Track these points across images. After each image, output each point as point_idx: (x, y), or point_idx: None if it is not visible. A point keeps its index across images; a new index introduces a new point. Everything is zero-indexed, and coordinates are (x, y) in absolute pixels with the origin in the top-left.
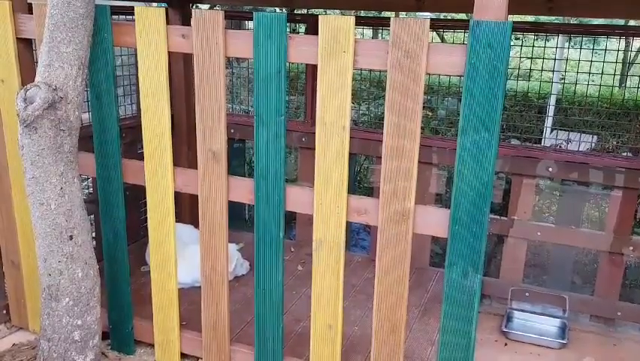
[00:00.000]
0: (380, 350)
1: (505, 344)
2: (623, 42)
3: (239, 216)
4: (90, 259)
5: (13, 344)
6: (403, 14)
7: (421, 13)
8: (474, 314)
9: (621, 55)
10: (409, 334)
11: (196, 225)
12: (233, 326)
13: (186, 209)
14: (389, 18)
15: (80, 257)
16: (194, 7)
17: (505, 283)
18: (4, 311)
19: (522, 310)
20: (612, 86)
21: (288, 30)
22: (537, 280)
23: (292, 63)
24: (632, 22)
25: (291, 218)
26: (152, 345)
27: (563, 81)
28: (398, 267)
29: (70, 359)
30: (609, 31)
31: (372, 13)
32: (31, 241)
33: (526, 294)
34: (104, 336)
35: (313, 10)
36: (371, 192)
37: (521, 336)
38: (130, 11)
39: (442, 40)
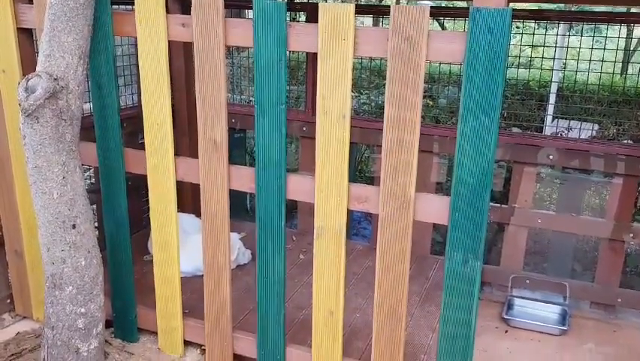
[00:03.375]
0: (381, 337)
1: (506, 331)
2: (624, 30)
3: (241, 206)
4: (93, 248)
5: (18, 333)
6: (403, 2)
7: (422, 2)
8: (474, 301)
9: (623, 43)
10: (410, 321)
11: (198, 214)
12: (236, 314)
13: (188, 198)
14: (389, 6)
15: (83, 246)
16: None
17: (506, 271)
18: (8, 300)
19: (523, 298)
20: (613, 74)
21: (288, 18)
22: (538, 268)
23: (293, 52)
24: (633, 10)
25: (292, 207)
26: (155, 333)
27: (563, 68)
28: (399, 243)
29: (74, 347)
30: (610, 18)
31: (372, 2)
32: (35, 230)
33: (527, 281)
34: (108, 324)
35: None
36: (372, 181)
37: (522, 323)
38: (130, 1)
39: (443, 28)
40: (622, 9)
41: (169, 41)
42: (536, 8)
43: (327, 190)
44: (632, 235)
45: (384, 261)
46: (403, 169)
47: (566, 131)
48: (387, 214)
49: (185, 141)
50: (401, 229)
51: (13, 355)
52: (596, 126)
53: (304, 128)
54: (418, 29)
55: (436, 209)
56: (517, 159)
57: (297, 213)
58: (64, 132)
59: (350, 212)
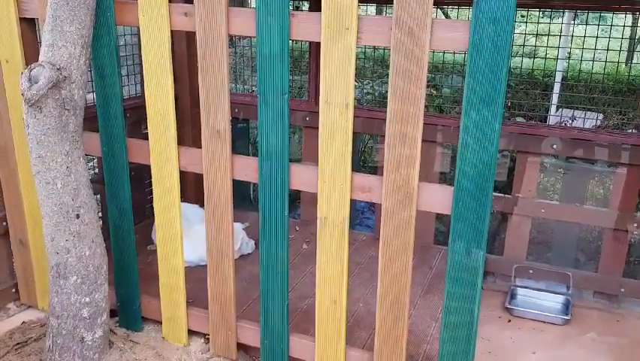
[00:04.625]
0: (384, 329)
1: (509, 321)
2: (630, 18)
3: (244, 196)
4: (97, 238)
5: (23, 322)
6: None
7: None
8: (477, 292)
9: (628, 31)
10: (413, 311)
11: (201, 205)
12: (240, 303)
13: (192, 189)
14: None
15: (87, 236)
16: None
17: (509, 261)
18: (14, 290)
19: (526, 287)
20: (618, 63)
21: (290, 7)
22: (541, 258)
23: (296, 42)
24: None
25: (295, 197)
26: (159, 322)
27: (568, 57)
28: (402, 235)
29: (79, 336)
30: (616, 7)
31: None
32: (39, 219)
33: (530, 271)
34: (112, 314)
35: None
36: (375, 171)
37: (525, 313)
38: None
39: (447, 17)
40: None
41: (171, 29)
42: None
43: (331, 180)
44: (635, 224)
45: (387, 254)
46: (405, 163)
47: (570, 121)
48: (390, 207)
49: (188, 131)
50: (404, 222)
51: (18, 344)
52: (601, 116)
53: (307, 118)
54: (422, 18)
55: (439, 199)
56: (521, 148)
57: (300, 203)
58: (67, 122)
59: (353, 202)
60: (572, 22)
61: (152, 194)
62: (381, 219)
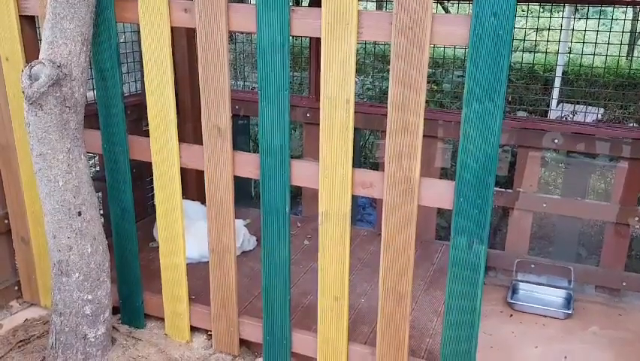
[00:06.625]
0: (386, 323)
1: (511, 315)
2: (630, 11)
3: (245, 193)
4: (99, 235)
5: (26, 320)
6: None
7: None
8: (479, 289)
9: (628, 25)
10: (415, 305)
11: (203, 201)
12: (242, 300)
13: (193, 185)
14: None
15: (89, 233)
16: None
17: (511, 255)
18: (16, 288)
19: (527, 282)
20: (619, 57)
21: (291, 3)
22: (542, 252)
23: (296, 38)
24: None
25: (297, 194)
26: (162, 319)
27: (569, 52)
28: (404, 228)
29: (82, 333)
30: (616, 0)
31: None
32: (41, 217)
33: (532, 266)
34: (115, 311)
35: None
36: (377, 167)
37: (526, 307)
38: None
39: (447, 12)
40: None
41: (172, 26)
42: None
43: (332, 176)
44: (637, 218)
45: (389, 248)
46: (407, 152)
47: (572, 115)
48: (392, 199)
49: (189, 128)
50: (406, 214)
51: (21, 341)
52: (602, 110)
53: (308, 114)
54: (422, 12)
55: (440, 193)
56: (522, 143)
57: (301, 200)
58: (68, 120)
59: (354, 197)
60: (573, 16)
61: (153, 191)
62: (383, 213)
